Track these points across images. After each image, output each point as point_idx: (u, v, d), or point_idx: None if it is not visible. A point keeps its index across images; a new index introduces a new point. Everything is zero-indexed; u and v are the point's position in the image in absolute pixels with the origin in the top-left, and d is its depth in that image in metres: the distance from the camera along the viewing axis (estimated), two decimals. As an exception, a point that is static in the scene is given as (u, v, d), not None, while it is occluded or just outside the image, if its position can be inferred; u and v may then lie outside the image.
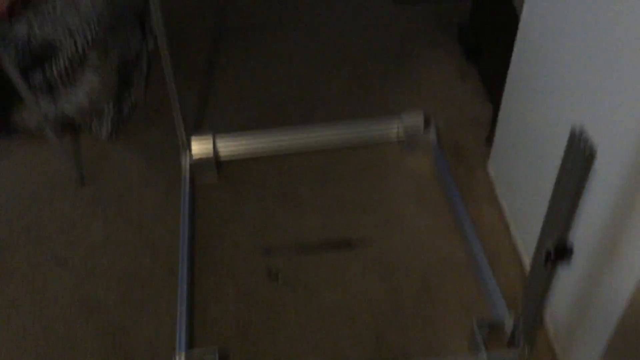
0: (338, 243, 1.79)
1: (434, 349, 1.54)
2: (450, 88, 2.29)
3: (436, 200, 1.89)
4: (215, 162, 1.96)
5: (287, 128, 2.05)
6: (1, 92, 1.94)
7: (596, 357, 1.28)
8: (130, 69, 2.25)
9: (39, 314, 1.66)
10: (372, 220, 1.85)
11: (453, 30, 2.50)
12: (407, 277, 1.70)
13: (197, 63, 2.44)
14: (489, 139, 1.96)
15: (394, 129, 2.03)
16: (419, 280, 1.69)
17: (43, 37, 1.94)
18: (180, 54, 2.40)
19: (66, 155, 2.02)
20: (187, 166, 1.93)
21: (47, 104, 2.02)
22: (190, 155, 1.94)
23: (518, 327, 1.38)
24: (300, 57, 2.46)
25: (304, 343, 1.57)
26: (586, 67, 1.28)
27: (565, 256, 1.07)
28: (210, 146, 1.94)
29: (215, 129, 1.99)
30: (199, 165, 1.94)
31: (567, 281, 1.37)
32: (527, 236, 1.68)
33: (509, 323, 1.45)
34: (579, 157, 0.94)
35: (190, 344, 1.54)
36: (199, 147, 1.93)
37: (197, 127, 2.16)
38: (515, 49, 1.66)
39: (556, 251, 1.06)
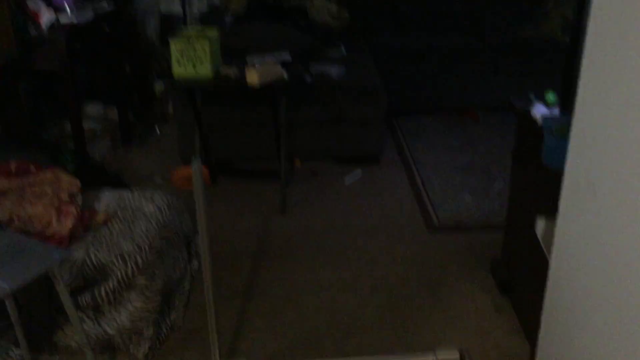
0: None
1: None
2: (485, 320, 2.29)
3: None
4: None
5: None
6: (49, 313, 2.03)
7: None
8: (173, 289, 2.33)
9: None
10: None
11: (487, 261, 2.57)
12: None
13: (235, 286, 2.52)
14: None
15: (428, 364, 2.01)
16: None
17: (97, 261, 2.07)
18: (220, 276, 2.51)
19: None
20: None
21: (91, 323, 2.08)
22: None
23: None
24: (337, 285, 2.52)
25: None
26: (619, 322, 1.29)
27: None
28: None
29: (248, 355, 2.00)
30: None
31: None
32: None
33: None
34: None
35: None
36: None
37: (232, 352, 2.17)
38: (546, 296, 1.69)
39: None
